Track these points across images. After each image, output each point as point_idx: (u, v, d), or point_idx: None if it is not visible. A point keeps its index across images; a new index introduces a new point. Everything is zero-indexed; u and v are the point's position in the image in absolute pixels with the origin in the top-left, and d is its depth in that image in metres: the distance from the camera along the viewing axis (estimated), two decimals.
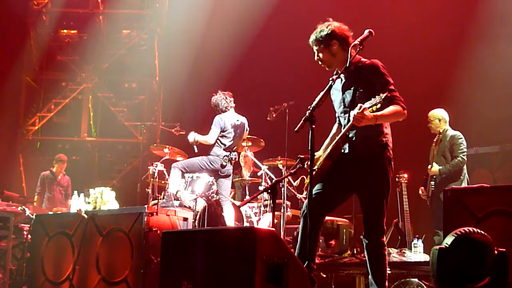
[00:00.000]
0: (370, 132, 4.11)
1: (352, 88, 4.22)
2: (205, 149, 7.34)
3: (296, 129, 3.84)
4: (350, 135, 4.19)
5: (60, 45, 13.08)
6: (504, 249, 3.36)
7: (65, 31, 13.09)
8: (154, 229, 5.59)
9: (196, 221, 6.53)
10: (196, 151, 7.21)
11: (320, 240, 6.55)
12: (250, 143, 7.76)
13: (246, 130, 7.51)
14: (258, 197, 7.40)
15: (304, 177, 4.46)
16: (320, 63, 4.35)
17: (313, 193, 4.03)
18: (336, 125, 4.50)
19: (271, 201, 4.25)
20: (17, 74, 12.51)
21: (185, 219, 6.40)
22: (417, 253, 6.16)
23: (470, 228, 3.39)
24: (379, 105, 3.87)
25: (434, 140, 7.03)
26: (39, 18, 12.90)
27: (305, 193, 4.92)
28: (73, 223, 6.16)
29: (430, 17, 9.50)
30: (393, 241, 7.15)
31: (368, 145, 4.15)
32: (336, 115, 4.44)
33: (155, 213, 5.74)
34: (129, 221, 5.74)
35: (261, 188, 7.58)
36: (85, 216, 6.03)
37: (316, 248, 4.35)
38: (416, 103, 6.90)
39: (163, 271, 4.01)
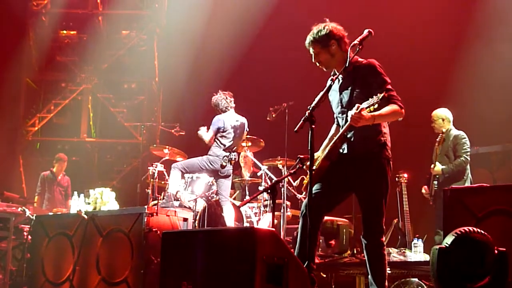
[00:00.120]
0: (369, 132, 4.11)
1: (350, 89, 4.22)
2: (205, 150, 7.35)
3: (295, 129, 3.84)
4: (349, 136, 4.19)
5: (59, 45, 13.06)
6: (504, 249, 3.35)
7: (64, 31, 13.07)
8: (154, 229, 5.59)
9: (196, 222, 6.53)
10: None
11: (320, 240, 6.57)
12: (250, 143, 7.77)
13: (246, 130, 7.51)
14: (258, 197, 7.41)
15: (304, 177, 4.46)
16: (318, 64, 4.34)
17: (312, 193, 4.03)
18: (334, 126, 4.49)
19: (271, 201, 4.25)
20: (16, 75, 12.50)
21: (185, 220, 6.40)
22: (417, 253, 6.16)
23: (470, 228, 3.39)
24: (376, 105, 3.87)
25: (437, 139, 7.03)
26: (39, 19, 12.88)
27: (304, 193, 4.93)
28: (73, 223, 6.16)
29: (430, 17, 9.50)
30: (393, 241, 7.15)
31: (366, 145, 4.16)
32: (334, 116, 4.44)
33: (155, 214, 5.74)
34: (129, 221, 5.74)
35: (261, 188, 7.58)
36: (85, 216, 6.04)
37: (316, 248, 4.35)
38: (416, 103, 6.93)
39: (163, 271, 4.02)
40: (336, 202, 4.32)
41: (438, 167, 6.97)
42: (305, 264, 3.78)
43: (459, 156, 6.96)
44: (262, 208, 7.53)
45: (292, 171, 4.33)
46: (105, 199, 6.80)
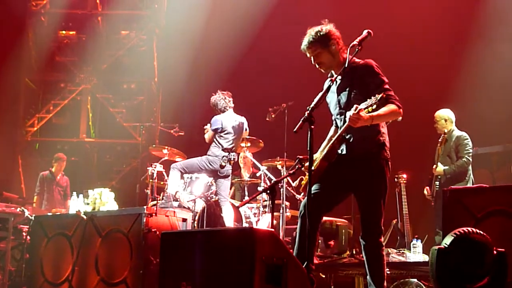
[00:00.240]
0: (367, 133, 4.10)
1: (347, 89, 4.22)
2: (205, 150, 7.35)
3: (295, 129, 3.84)
4: (347, 136, 4.18)
5: (59, 46, 13.04)
6: (503, 249, 3.35)
7: (63, 32, 13.06)
8: (153, 230, 5.59)
9: (195, 222, 6.53)
10: None
11: (319, 241, 6.59)
12: (249, 144, 7.76)
13: (246, 130, 7.50)
14: (257, 197, 7.40)
15: (302, 177, 4.46)
16: (318, 66, 4.32)
17: (311, 193, 4.03)
18: (332, 128, 4.48)
19: (270, 201, 4.25)
20: (15, 75, 12.48)
21: (184, 220, 6.39)
22: (416, 254, 6.16)
23: (469, 228, 3.38)
24: (375, 106, 3.87)
25: (439, 140, 7.03)
26: (38, 19, 12.87)
27: (302, 193, 4.93)
28: (72, 224, 6.16)
29: (430, 17, 9.50)
30: (393, 242, 7.15)
31: (365, 146, 4.15)
32: (332, 117, 4.43)
33: (154, 214, 5.74)
34: (128, 222, 5.74)
35: (260, 188, 7.58)
36: (84, 217, 6.03)
37: (314, 248, 4.35)
38: (415, 103, 6.93)
39: (162, 272, 4.02)
40: (335, 203, 4.32)
41: (440, 167, 6.96)
42: (304, 265, 3.78)
43: (461, 157, 6.96)
44: (261, 209, 7.53)
45: (291, 172, 4.33)
46: (104, 200, 6.79)
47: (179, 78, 11.59)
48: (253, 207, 7.63)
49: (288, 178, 7.12)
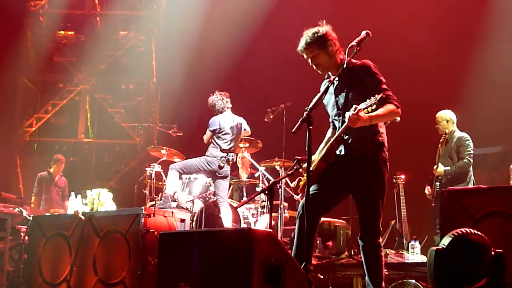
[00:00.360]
0: (366, 133, 4.10)
1: (345, 90, 4.21)
2: (203, 150, 7.35)
3: (293, 130, 3.84)
4: (346, 137, 4.18)
5: (57, 46, 13.03)
6: (501, 250, 3.36)
7: (62, 32, 13.05)
8: (151, 230, 5.58)
9: (194, 222, 6.54)
10: None
11: (317, 241, 6.58)
12: (247, 144, 7.76)
13: (245, 130, 7.50)
14: (256, 198, 7.40)
15: (300, 178, 4.46)
16: (315, 67, 4.32)
17: (309, 194, 4.03)
18: (330, 129, 4.48)
19: (268, 202, 4.25)
20: (14, 75, 12.45)
21: (183, 221, 6.39)
22: (414, 254, 6.16)
23: (467, 229, 3.38)
24: (374, 106, 3.87)
25: (440, 140, 7.04)
26: (36, 19, 12.85)
27: (300, 194, 4.93)
28: (70, 224, 6.14)
29: (430, 17, 9.49)
30: (391, 242, 7.16)
31: (364, 146, 4.15)
32: (330, 119, 4.43)
33: (152, 215, 5.73)
34: (127, 222, 5.73)
35: (258, 189, 7.57)
36: (82, 217, 6.02)
37: (313, 249, 4.35)
38: (414, 104, 6.93)
39: (160, 272, 4.01)
40: (333, 203, 4.32)
41: (440, 168, 6.97)
42: (303, 265, 3.78)
43: (462, 158, 6.97)
44: (260, 209, 7.52)
45: (289, 172, 4.33)
46: (102, 200, 6.78)
47: (177, 78, 11.59)
48: (251, 208, 7.63)
49: (287, 178, 7.09)
